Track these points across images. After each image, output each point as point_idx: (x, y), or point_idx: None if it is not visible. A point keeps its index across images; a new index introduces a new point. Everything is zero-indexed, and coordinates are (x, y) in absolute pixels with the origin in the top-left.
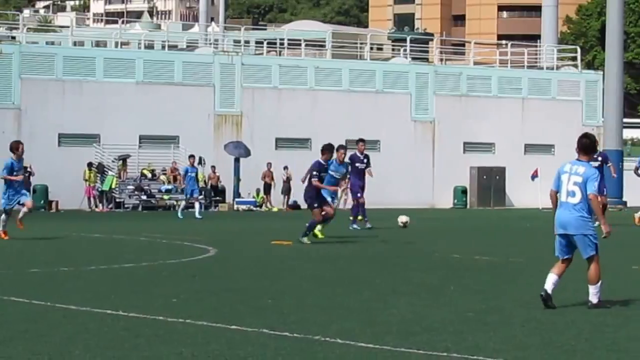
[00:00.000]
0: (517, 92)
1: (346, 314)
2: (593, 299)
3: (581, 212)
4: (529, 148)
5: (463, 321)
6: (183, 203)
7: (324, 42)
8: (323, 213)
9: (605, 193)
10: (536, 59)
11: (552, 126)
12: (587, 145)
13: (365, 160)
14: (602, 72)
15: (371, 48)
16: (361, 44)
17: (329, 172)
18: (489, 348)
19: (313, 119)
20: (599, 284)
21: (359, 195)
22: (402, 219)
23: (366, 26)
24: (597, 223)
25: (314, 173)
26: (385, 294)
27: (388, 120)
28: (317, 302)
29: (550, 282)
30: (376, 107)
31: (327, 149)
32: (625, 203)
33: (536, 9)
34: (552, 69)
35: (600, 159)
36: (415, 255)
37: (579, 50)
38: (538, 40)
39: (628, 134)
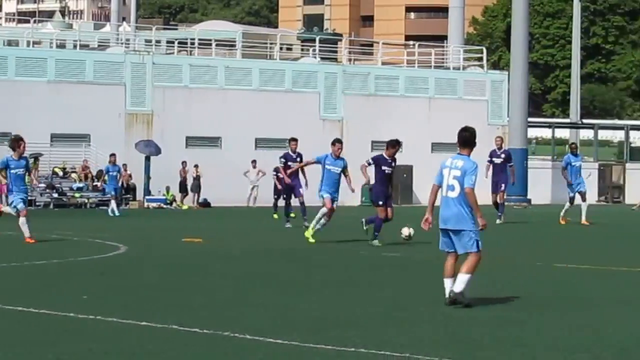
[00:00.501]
0: (424, 92)
1: (255, 310)
2: (459, 286)
3: (461, 207)
4: (436, 147)
5: (371, 317)
6: (113, 202)
7: (235, 42)
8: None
9: (502, 189)
10: (443, 59)
11: (458, 125)
12: (466, 139)
13: (298, 159)
14: (507, 72)
15: (281, 48)
16: (271, 44)
17: (326, 166)
18: (396, 343)
19: (223, 117)
20: (470, 276)
21: (297, 193)
22: (406, 231)
23: (276, 26)
24: (498, 221)
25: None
26: (294, 291)
27: (297, 119)
28: (227, 299)
29: (448, 286)
30: (285, 106)
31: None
32: (529, 201)
33: (443, 10)
34: (459, 69)
35: (503, 155)
36: (324, 252)
37: (484, 50)
38: (445, 41)
39: (533, 133)
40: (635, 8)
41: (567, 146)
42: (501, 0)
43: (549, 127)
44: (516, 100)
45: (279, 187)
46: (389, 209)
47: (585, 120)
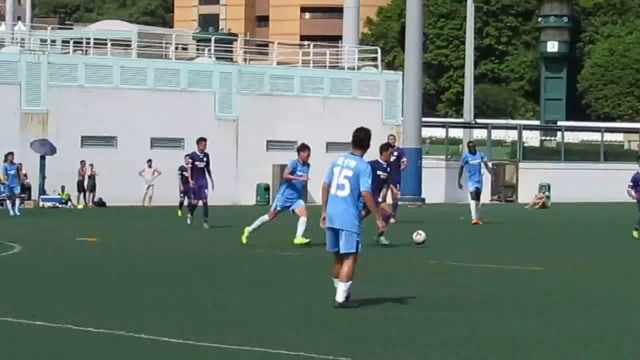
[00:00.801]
0: (319, 92)
1: (151, 310)
2: (340, 297)
3: (348, 206)
4: (331, 146)
5: (266, 316)
6: (17, 200)
7: (130, 41)
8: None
9: (398, 188)
10: (338, 59)
11: (353, 125)
12: (360, 139)
13: (205, 159)
14: (401, 73)
15: (176, 48)
16: (166, 43)
17: (297, 172)
18: (291, 343)
19: (118, 117)
20: (350, 283)
21: (192, 196)
22: (419, 237)
23: (171, 26)
24: (392, 220)
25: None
26: (190, 291)
27: (192, 118)
28: (124, 298)
29: (339, 289)
30: (181, 105)
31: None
32: (423, 200)
33: (338, 11)
34: (353, 69)
35: (396, 154)
36: (221, 252)
37: (379, 51)
38: (340, 41)
39: (427, 132)
40: (528, 9)
41: (465, 144)
42: (395, 1)
43: (443, 126)
44: (410, 100)
45: (182, 187)
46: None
47: (478, 120)
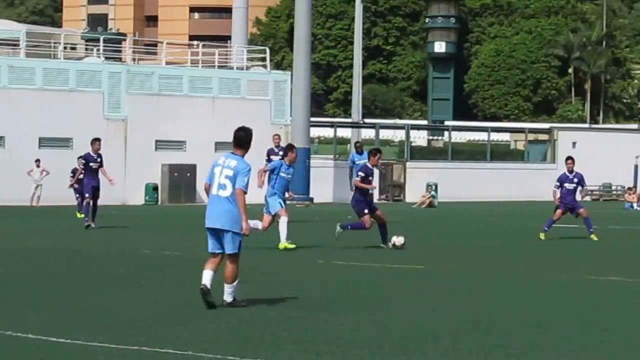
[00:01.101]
0: (207, 92)
1: (38, 309)
2: (228, 297)
3: (231, 206)
4: (219, 146)
5: (154, 315)
6: None
7: (18, 41)
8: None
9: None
10: (226, 59)
11: (241, 125)
12: (241, 139)
13: (99, 159)
14: (290, 73)
15: (65, 47)
16: (55, 43)
17: (281, 174)
18: (179, 341)
19: (7, 117)
20: (235, 283)
21: (87, 195)
22: (399, 240)
23: (60, 26)
24: None
25: (360, 174)
26: (77, 290)
27: (81, 118)
28: (9, 297)
29: (207, 277)
30: (69, 105)
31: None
32: (312, 199)
33: (227, 11)
34: (242, 69)
35: (281, 153)
36: (107, 251)
37: (268, 51)
38: (228, 41)
39: (315, 132)
40: (416, 10)
41: (352, 145)
42: (284, 2)
43: (331, 126)
44: (299, 100)
45: (76, 186)
46: (378, 212)
47: (366, 120)
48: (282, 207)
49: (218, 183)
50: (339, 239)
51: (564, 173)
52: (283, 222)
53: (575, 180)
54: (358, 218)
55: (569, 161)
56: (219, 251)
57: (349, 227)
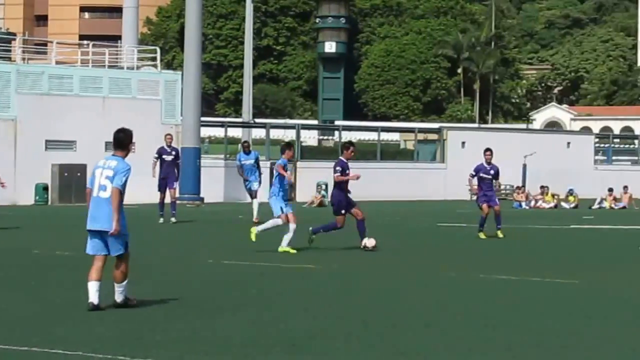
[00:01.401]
0: (98, 91)
1: None
2: (118, 297)
3: (111, 208)
4: (110, 145)
5: (45, 316)
6: None
7: None
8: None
9: (175, 187)
10: (117, 59)
11: (132, 124)
12: (121, 140)
13: None
14: (181, 72)
15: None
16: None
17: (287, 171)
18: (69, 342)
19: None
20: (125, 282)
21: None
22: (370, 242)
23: None
24: (172, 219)
25: (338, 169)
26: None
27: None
28: None
29: (93, 291)
30: None
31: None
32: (202, 199)
33: (117, 10)
34: (133, 68)
35: (174, 153)
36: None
37: (158, 50)
38: (119, 41)
39: (206, 132)
40: (306, 10)
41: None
42: (175, 1)
43: (222, 126)
44: (189, 99)
45: None
46: (356, 209)
47: (257, 120)
48: (282, 212)
49: (99, 184)
50: (312, 242)
51: (482, 163)
52: (275, 222)
53: (492, 172)
54: (334, 214)
55: (488, 152)
56: (101, 253)
57: (322, 229)
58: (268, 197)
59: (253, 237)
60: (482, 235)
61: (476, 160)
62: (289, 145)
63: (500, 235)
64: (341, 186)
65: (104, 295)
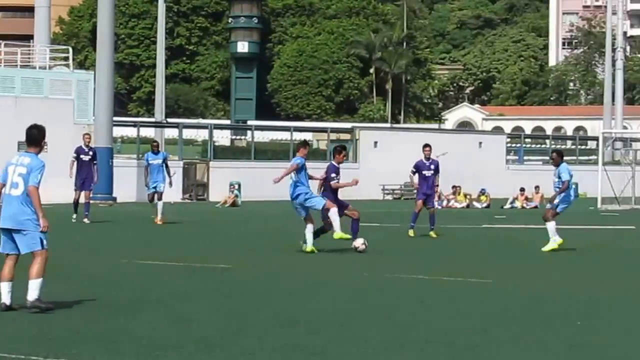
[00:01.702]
0: (10, 91)
1: None
2: (32, 294)
3: (24, 205)
4: (22, 145)
5: None
6: None
7: None
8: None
9: (91, 187)
10: (29, 58)
11: (44, 124)
12: (34, 137)
13: None
14: (93, 72)
15: None
16: None
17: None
18: None
19: None
20: (40, 280)
21: None
22: (358, 242)
23: None
24: (85, 220)
25: (333, 175)
26: None
27: None
28: None
29: (5, 292)
30: None
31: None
32: (115, 199)
33: (29, 10)
34: (45, 68)
35: (92, 153)
36: None
37: (71, 50)
38: (31, 41)
39: (118, 131)
40: (219, 10)
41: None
42: (87, 1)
43: (134, 126)
44: (101, 99)
45: None
46: (351, 210)
47: (170, 120)
48: (324, 199)
49: (11, 182)
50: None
51: (421, 160)
52: (334, 213)
53: (432, 167)
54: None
55: (427, 148)
56: (13, 252)
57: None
58: (305, 200)
59: (337, 236)
60: (411, 233)
61: (388, 160)
62: (305, 143)
63: (434, 235)
64: (332, 189)
65: (18, 297)
